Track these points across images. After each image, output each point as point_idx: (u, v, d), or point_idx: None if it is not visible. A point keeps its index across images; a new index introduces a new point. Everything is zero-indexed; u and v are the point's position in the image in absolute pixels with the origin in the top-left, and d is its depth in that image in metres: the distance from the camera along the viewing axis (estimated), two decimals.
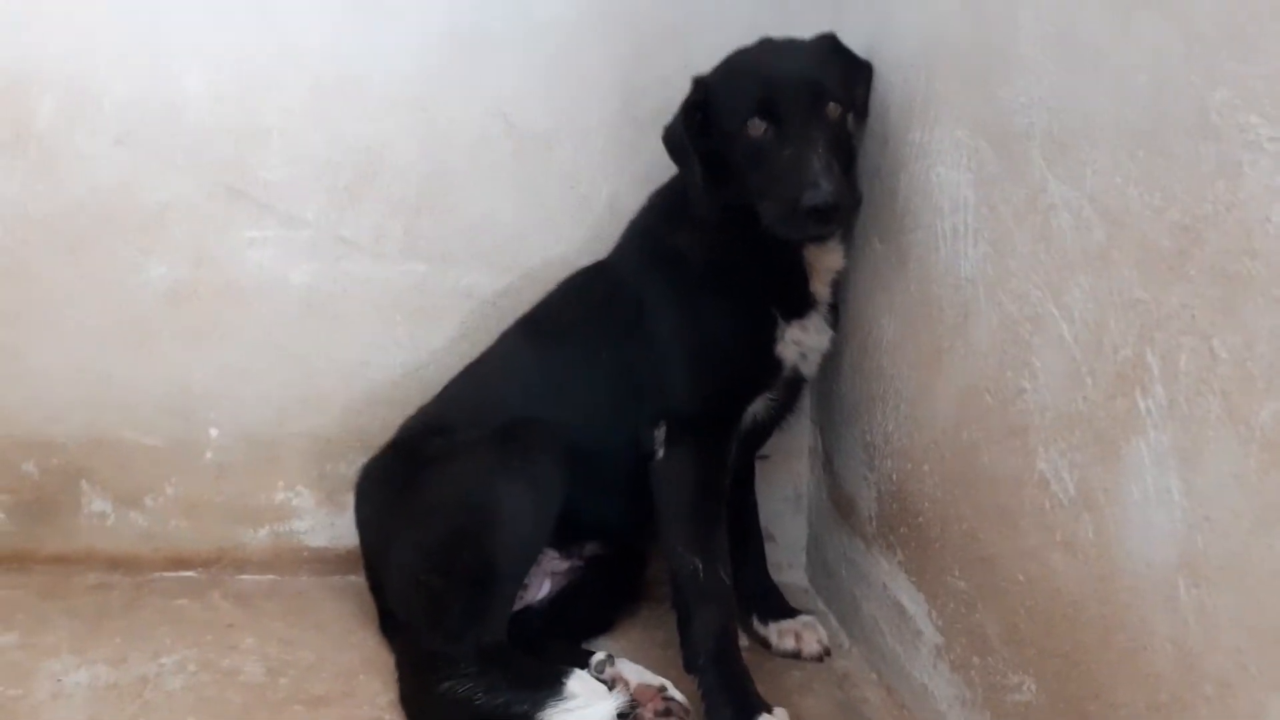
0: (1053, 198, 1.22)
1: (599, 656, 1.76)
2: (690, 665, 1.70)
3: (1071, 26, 1.17)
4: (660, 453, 1.80)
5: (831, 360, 1.98)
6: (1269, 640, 0.88)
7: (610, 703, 1.53)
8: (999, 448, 1.37)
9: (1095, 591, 1.15)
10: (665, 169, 1.96)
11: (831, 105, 1.72)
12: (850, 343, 1.95)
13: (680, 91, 1.86)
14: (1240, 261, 0.90)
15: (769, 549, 2.14)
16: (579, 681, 1.58)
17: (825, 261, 1.87)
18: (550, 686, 1.52)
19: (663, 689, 1.67)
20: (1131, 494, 1.07)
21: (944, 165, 1.53)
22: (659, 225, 1.96)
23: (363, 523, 2.00)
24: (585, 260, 2.11)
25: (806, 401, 2.20)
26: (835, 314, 1.94)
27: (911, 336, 1.67)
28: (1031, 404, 1.28)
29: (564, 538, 1.90)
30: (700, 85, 1.82)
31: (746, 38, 1.85)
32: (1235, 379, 0.91)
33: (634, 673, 1.71)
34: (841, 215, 1.69)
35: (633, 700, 1.65)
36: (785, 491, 2.31)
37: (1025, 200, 1.29)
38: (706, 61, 1.86)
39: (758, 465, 2.14)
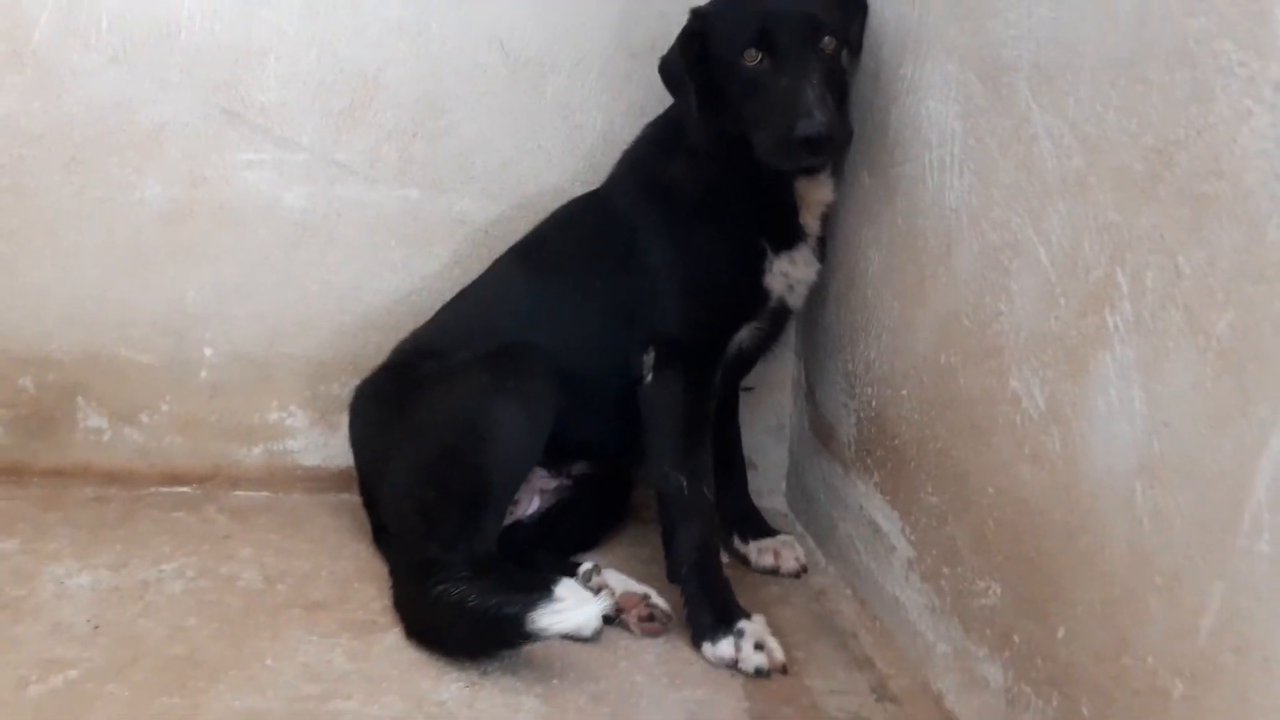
0: (1036, 127, 1.27)
1: (586, 566, 1.83)
2: (674, 575, 1.78)
3: None
4: (649, 377, 1.86)
5: (818, 293, 2.04)
6: (1214, 532, 0.95)
7: (597, 606, 1.60)
8: (975, 369, 1.44)
9: (1060, 500, 1.22)
10: (659, 100, 2.00)
11: (827, 39, 1.76)
12: (837, 275, 2.01)
13: (675, 24, 1.90)
14: (1208, 182, 0.96)
15: (751, 477, 2.22)
16: (567, 588, 1.66)
17: (816, 195, 1.92)
18: (540, 591, 1.59)
19: (646, 597, 1.75)
20: (1097, 406, 1.14)
21: (934, 99, 1.58)
22: (653, 156, 2.00)
23: (357, 441, 2.05)
24: (578, 190, 2.16)
25: (791, 334, 2.26)
26: (823, 247, 2.00)
27: (897, 267, 1.73)
28: (1007, 326, 1.34)
29: (554, 457, 1.97)
30: (698, 16, 1.85)
31: None
32: (1197, 293, 0.97)
33: (619, 582, 1.79)
34: (834, 146, 1.74)
35: (618, 606, 1.73)
36: (768, 422, 2.39)
37: (1010, 130, 1.34)
38: None
39: (742, 396, 2.21)
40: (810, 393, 2.21)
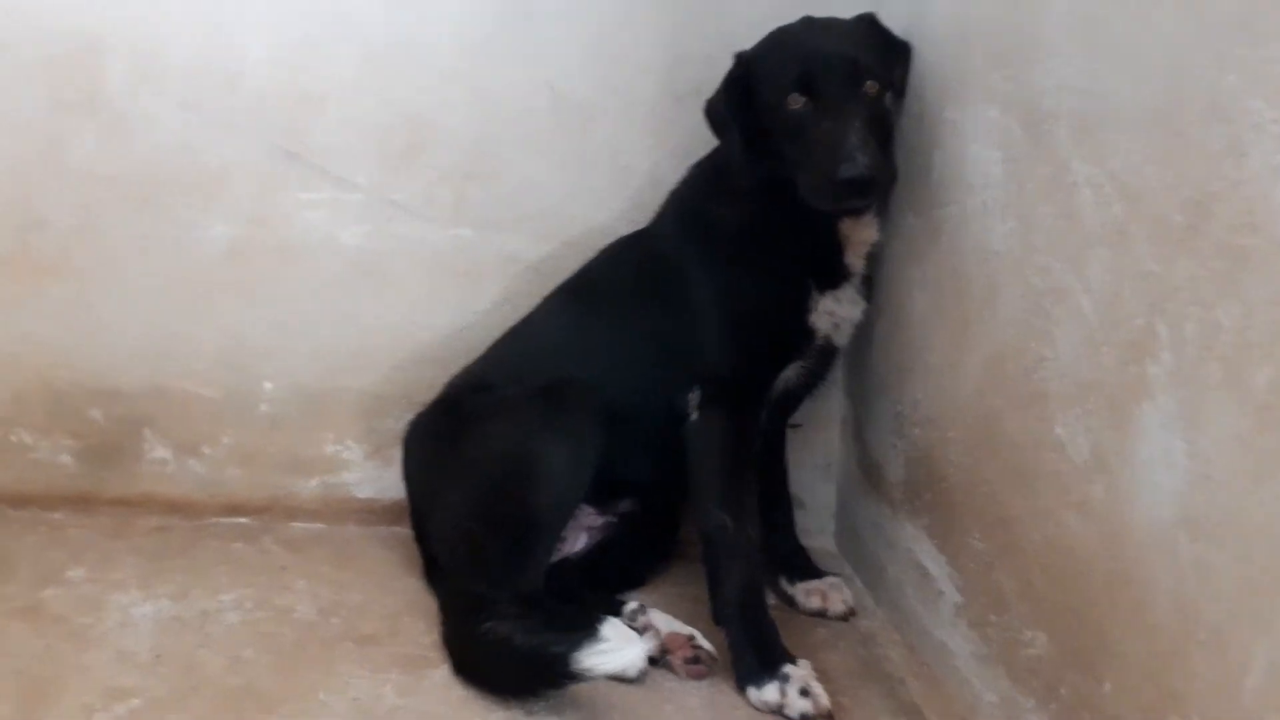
0: (1076, 176, 1.27)
1: (632, 605, 1.85)
2: (719, 617, 1.78)
3: (1097, 12, 1.22)
4: (694, 415, 1.87)
5: (863, 332, 2.04)
6: (1259, 588, 0.94)
7: (641, 647, 1.62)
8: (1020, 414, 1.43)
9: (1105, 549, 1.21)
10: (704, 143, 2.03)
11: (869, 83, 1.78)
12: (883, 314, 2.01)
13: (719, 69, 1.93)
14: (1243, 236, 0.96)
15: (799, 515, 2.22)
16: (612, 627, 1.67)
17: (860, 234, 1.93)
18: (585, 630, 1.60)
19: (692, 638, 1.76)
20: (1140, 455, 1.13)
21: (977, 143, 1.59)
22: (699, 196, 2.03)
23: (409, 475, 2.10)
24: (625, 229, 2.19)
25: (839, 373, 2.26)
26: (869, 286, 2.00)
27: (941, 309, 1.73)
28: (1051, 372, 1.34)
29: (600, 494, 1.99)
30: (742, 60, 1.88)
31: (786, 17, 1.90)
32: (1235, 346, 0.97)
33: (665, 622, 1.80)
34: (877, 189, 1.75)
35: (663, 647, 1.74)
36: (816, 460, 2.38)
37: (1050, 178, 1.34)
38: (746, 39, 1.92)
39: (790, 434, 2.21)
40: (858, 431, 2.21)
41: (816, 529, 2.36)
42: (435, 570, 1.99)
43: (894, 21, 1.89)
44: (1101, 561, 1.22)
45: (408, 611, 1.92)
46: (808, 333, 1.92)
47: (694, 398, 1.88)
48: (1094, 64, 1.23)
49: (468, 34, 2.20)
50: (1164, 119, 1.08)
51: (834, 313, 1.94)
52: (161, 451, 2.35)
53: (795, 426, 2.25)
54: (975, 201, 1.58)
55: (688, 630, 1.78)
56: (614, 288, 2.06)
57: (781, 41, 1.86)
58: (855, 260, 1.95)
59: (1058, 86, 1.32)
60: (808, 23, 1.87)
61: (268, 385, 2.33)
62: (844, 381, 2.30)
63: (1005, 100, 1.48)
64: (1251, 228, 0.94)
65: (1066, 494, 1.31)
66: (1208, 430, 1.01)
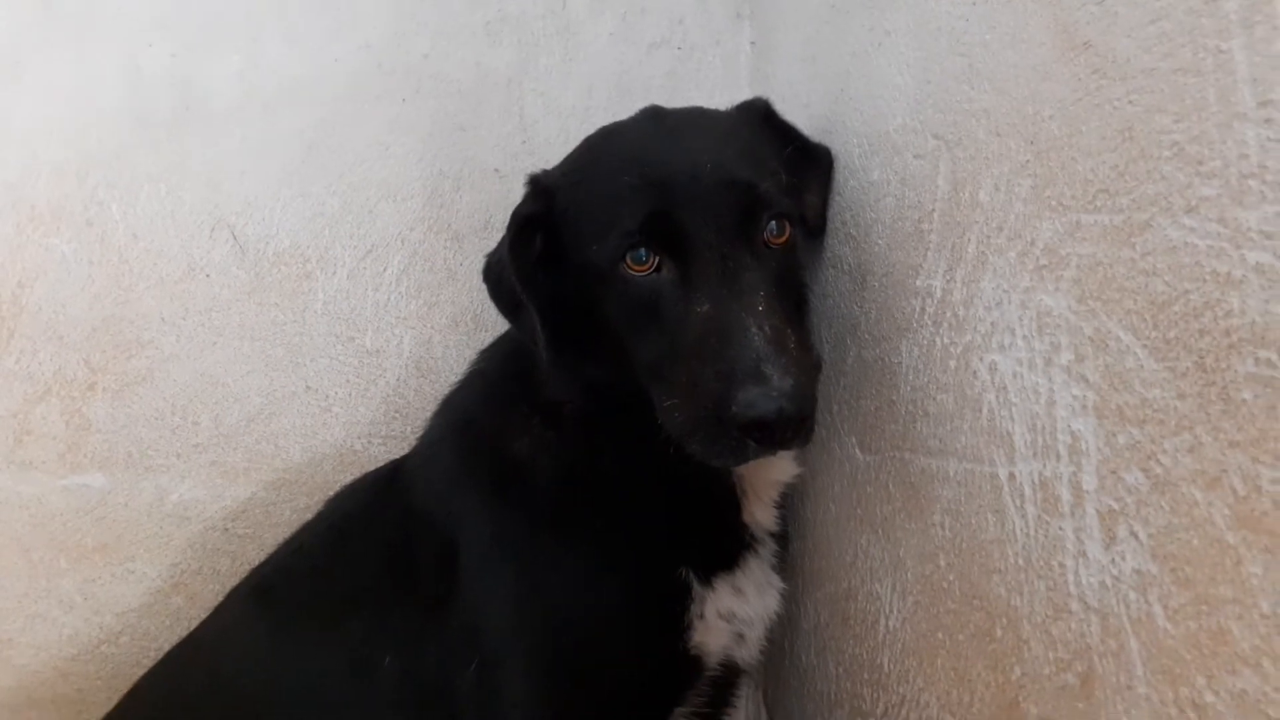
0: None
1: None
2: None
3: None
4: None
5: (784, 617, 1.21)
6: None
7: None
8: None
9: None
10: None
11: (772, 224, 0.97)
12: (814, 597, 1.19)
13: (519, 190, 1.08)
14: None
15: None
16: None
17: (768, 474, 1.12)
18: None
19: None
20: None
21: (1006, 355, 0.78)
22: (487, 415, 1.17)
23: None
24: (375, 454, 1.36)
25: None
26: (784, 548, 1.18)
27: (948, 651, 0.90)
28: None
29: None
30: (540, 190, 1.05)
31: (622, 104, 1.09)
32: None
33: None
34: (808, 427, 0.92)
35: None
36: None
37: None
38: (557, 141, 1.10)
39: None
40: None
41: None
42: None
43: (798, 109, 1.10)
44: None
45: None
46: (690, 663, 1.07)
47: None
48: None
49: (83, 144, 1.29)
50: None
51: (734, 615, 1.11)
52: None
53: None
54: (1021, 474, 0.77)
55: None
56: (340, 587, 1.16)
57: (610, 153, 1.03)
58: (761, 513, 1.14)
59: None
60: (654, 119, 1.04)
61: None
62: (757, 672, 1.45)
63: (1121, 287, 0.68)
64: None
65: None
66: None
